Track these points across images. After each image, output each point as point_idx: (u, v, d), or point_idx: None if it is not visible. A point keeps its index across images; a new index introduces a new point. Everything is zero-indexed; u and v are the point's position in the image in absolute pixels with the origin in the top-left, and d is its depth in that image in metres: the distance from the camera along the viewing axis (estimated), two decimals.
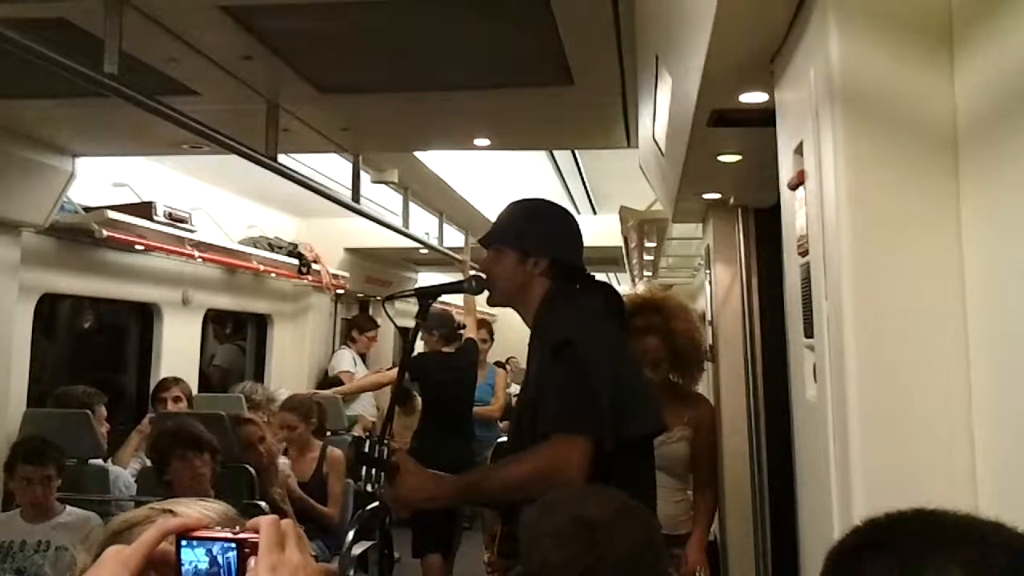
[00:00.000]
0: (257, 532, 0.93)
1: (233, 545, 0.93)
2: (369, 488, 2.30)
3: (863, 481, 1.51)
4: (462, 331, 6.31)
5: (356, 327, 8.21)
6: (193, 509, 1.12)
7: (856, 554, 0.96)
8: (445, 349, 6.11)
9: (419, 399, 6.19)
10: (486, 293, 2.60)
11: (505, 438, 8.29)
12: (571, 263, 2.55)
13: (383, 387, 7.65)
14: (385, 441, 2.32)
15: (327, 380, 7.75)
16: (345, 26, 2.95)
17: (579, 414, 2.20)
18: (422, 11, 2.79)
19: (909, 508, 0.97)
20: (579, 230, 2.63)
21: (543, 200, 2.69)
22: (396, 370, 6.63)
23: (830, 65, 1.57)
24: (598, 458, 2.17)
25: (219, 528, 0.97)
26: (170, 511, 1.08)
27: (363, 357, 8.18)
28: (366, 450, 2.27)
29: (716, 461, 3.67)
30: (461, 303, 7.26)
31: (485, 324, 7.16)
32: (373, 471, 2.27)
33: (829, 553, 0.99)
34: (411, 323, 2.64)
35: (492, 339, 7.46)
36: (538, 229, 2.56)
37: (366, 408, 7.86)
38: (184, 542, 0.94)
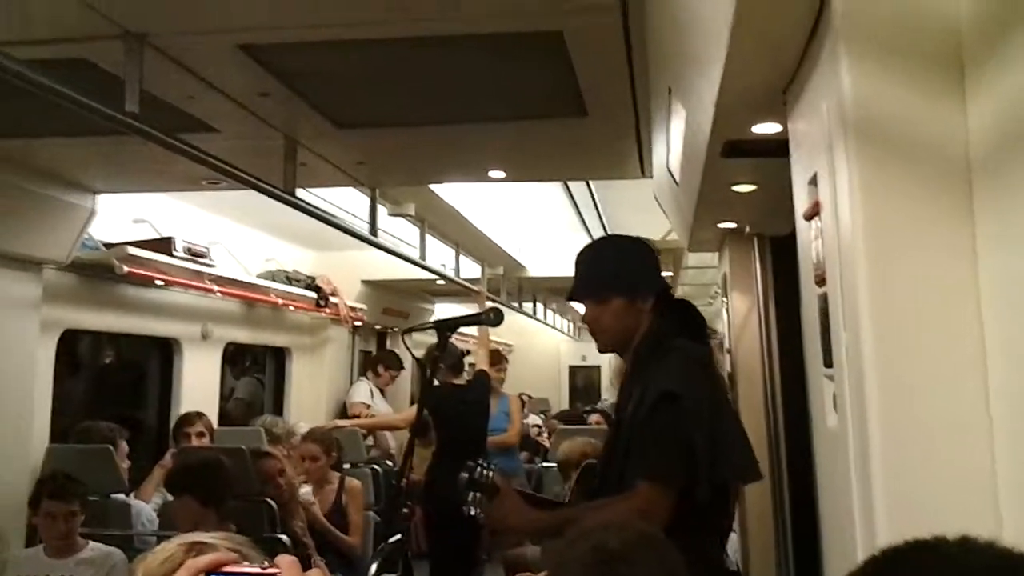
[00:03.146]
0: (278, 567, 0.95)
1: None
2: (473, 512, 2.35)
3: (886, 510, 1.50)
4: (471, 362, 6.33)
5: (382, 363, 8.22)
6: (216, 540, 1.14)
7: None
8: (456, 381, 6.11)
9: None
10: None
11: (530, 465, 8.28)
12: (669, 292, 2.57)
13: (398, 428, 7.65)
14: (494, 466, 2.37)
15: (343, 415, 7.77)
16: (360, 63, 2.98)
17: (671, 466, 2.22)
18: (436, 47, 2.82)
19: (932, 536, 0.96)
20: (657, 255, 2.64)
21: (618, 237, 2.68)
22: (412, 410, 6.65)
23: (842, 96, 1.58)
24: (690, 507, 2.20)
25: (247, 564, 0.99)
26: (205, 544, 1.09)
27: (381, 391, 8.19)
28: (476, 476, 2.33)
29: None
30: (476, 334, 7.26)
31: (498, 353, 7.17)
32: (478, 495, 2.34)
33: None
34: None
35: (506, 368, 7.46)
36: (637, 268, 2.54)
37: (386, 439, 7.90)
38: None
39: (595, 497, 2.42)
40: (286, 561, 0.95)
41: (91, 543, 3.88)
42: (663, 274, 2.68)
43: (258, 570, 0.95)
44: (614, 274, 2.53)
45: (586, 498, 2.63)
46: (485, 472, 2.33)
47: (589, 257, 2.60)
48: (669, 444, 2.23)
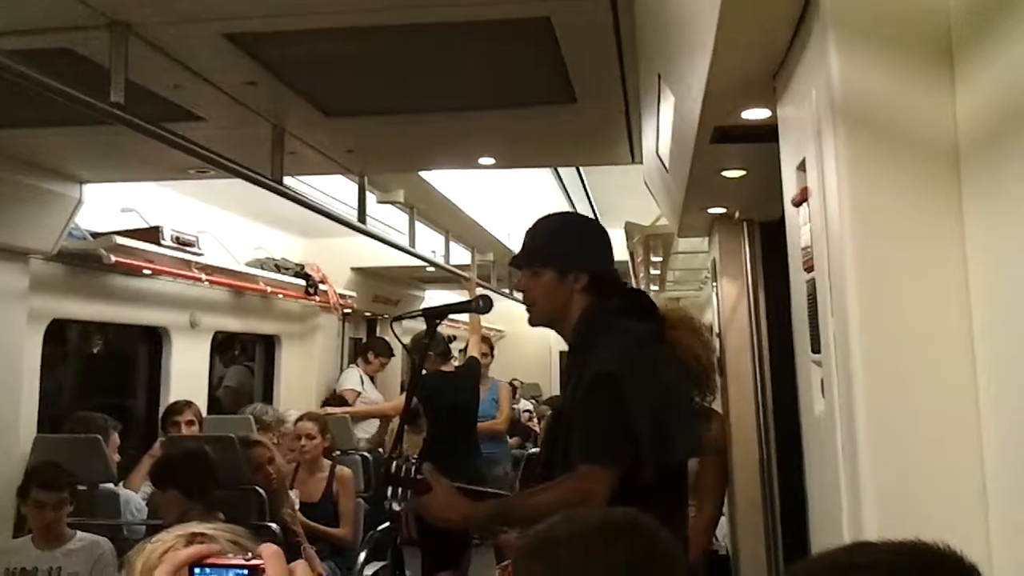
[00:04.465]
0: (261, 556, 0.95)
1: (245, 572, 0.95)
2: (395, 507, 2.33)
3: (873, 496, 1.51)
4: (457, 347, 6.32)
5: (372, 350, 8.22)
6: (210, 530, 1.15)
7: None
8: (445, 368, 6.11)
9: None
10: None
11: (520, 450, 8.28)
12: (608, 274, 2.54)
13: (388, 416, 7.67)
14: (413, 460, 2.33)
15: (332, 398, 7.76)
16: (348, 51, 2.97)
17: (609, 446, 2.22)
18: (424, 34, 2.80)
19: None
20: (609, 239, 2.62)
21: (571, 214, 2.69)
22: (401, 399, 6.65)
23: (831, 82, 1.58)
24: (636, 487, 2.18)
25: (230, 555, 0.98)
26: (202, 534, 1.10)
27: (371, 378, 8.19)
28: (392, 470, 2.29)
29: (721, 481, 3.64)
30: (467, 320, 7.27)
31: (485, 340, 7.17)
32: (399, 490, 2.29)
33: None
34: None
35: (492, 355, 7.45)
36: (573, 244, 2.54)
37: (370, 430, 7.90)
38: (197, 570, 0.95)
39: (540, 483, 2.40)
40: (269, 551, 0.95)
41: (79, 533, 3.88)
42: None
43: (241, 561, 0.95)
44: (548, 247, 2.55)
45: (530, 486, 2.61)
46: (404, 468, 2.29)
47: (533, 229, 2.63)
48: (607, 424, 2.22)
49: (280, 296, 6.98)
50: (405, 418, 2.75)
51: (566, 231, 2.60)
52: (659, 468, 2.21)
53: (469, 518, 2.39)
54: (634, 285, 8.11)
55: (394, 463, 2.30)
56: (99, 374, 6.51)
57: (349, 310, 8.13)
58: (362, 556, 4.94)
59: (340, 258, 7.85)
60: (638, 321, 2.46)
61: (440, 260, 6.79)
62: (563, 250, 2.53)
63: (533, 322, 2.60)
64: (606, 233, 2.63)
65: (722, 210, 3.80)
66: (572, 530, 1.36)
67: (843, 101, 1.56)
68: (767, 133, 2.28)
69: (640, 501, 2.15)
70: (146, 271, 5.23)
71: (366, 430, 7.74)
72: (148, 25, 2.64)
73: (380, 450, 7.50)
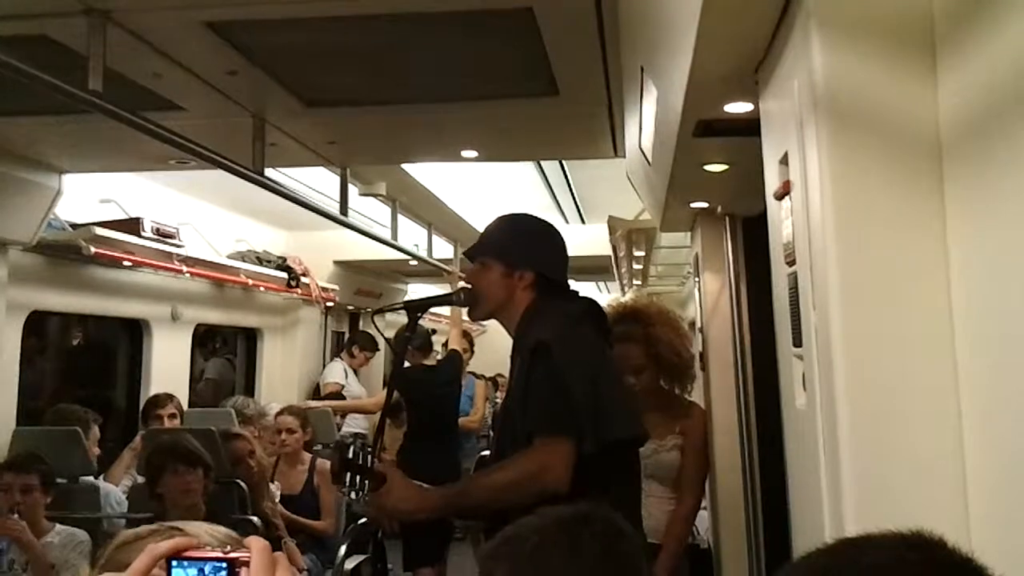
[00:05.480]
0: (249, 549, 0.94)
1: (224, 564, 0.94)
2: (353, 495, 2.29)
3: (853, 489, 1.51)
4: (441, 341, 6.31)
5: (357, 344, 8.21)
6: (201, 530, 1.13)
7: None
8: (426, 362, 6.10)
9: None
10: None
11: (487, 452, 8.30)
12: (555, 278, 2.57)
13: (369, 412, 7.67)
14: (370, 449, 2.31)
15: (321, 396, 7.74)
16: (330, 40, 2.95)
17: (560, 416, 2.22)
18: (406, 24, 2.79)
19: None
20: (564, 245, 2.65)
21: (530, 215, 2.71)
22: (383, 394, 6.64)
23: (813, 75, 1.57)
24: (577, 461, 2.18)
25: (209, 548, 0.97)
26: (178, 529, 1.09)
27: (355, 372, 8.18)
28: (350, 455, 2.26)
29: (701, 473, 3.64)
30: (448, 314, 7.25)
31: (466, 335, 7.17)
32: (357, 478, 2.26)
33: None
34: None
35: (472, 351, 7.45)
36: (525, 243, 2.58)
37: (359, 423, 7.88)
38: (175, 563, 0.94)
39: None
40: (259, 544, 0.94)
41: (57, 526, 3.85)
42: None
43: (219, 554, 0.94)
44: (500, 243, 2.59)
45: None
46: (362, 454, 2.26)
47: (491, 224, 2.67)
48: (551, 394, 2.23)
49: (262, 289, 6.95)
50: (386, 412, 2.74)
51: (519, 230, 2.63)
52: (599, 443, 2.21)
53: (425, 506, 2.38)
54: (617, 279, 8.13)
55: (351, 448, 2.28)
56: (79, 366, 6.47)
57: (331, 303, 8.11)
58: (343, 549, 4.92)
59: (322, 251, 7.84)
60: (576, 306, 2.51)
61: (423, 254, 6.78)
62: (512, 247, 2.56)
63: (475, 315, 2.63)
64: (560, 238, 2.66)
65: (705, 204, 3.80)
66: (537, 524, 1.34)
67: (825, 94, 1.56)
68: (750, 127, 2.28)
69: (581, 475, 2.16)
70: (126, 263, 5.20)
71: (351, 425, 7.75)
72: (127, 12, 2.61)
73: (352, 438, 7.50)
